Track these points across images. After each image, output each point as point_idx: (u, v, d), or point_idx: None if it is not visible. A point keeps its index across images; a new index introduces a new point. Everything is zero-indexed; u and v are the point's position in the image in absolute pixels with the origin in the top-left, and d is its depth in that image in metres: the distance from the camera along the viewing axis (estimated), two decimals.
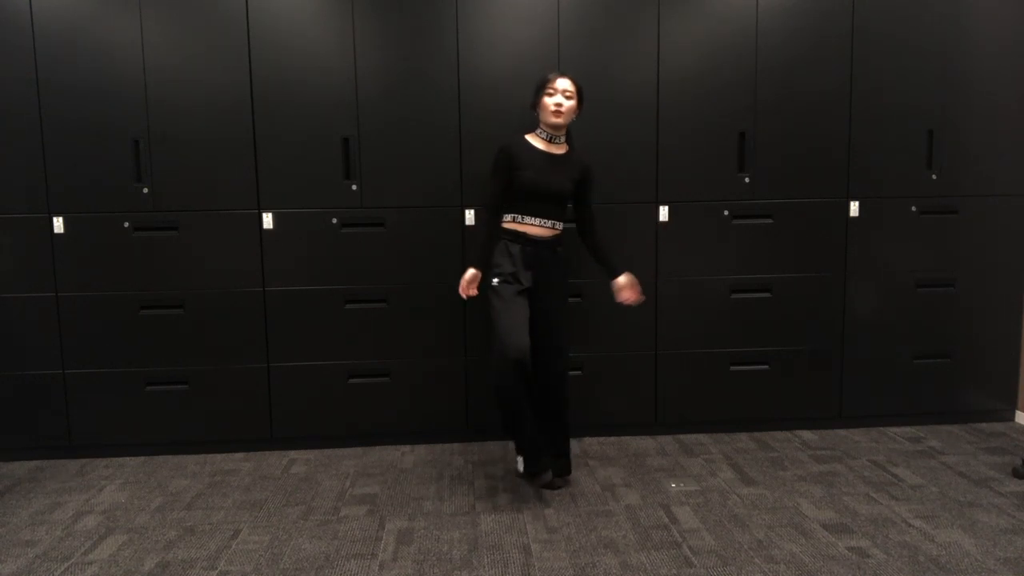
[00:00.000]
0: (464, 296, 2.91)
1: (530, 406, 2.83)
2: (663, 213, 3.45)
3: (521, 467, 2.98)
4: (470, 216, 3.38)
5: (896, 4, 3.42)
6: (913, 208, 3.54)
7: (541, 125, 2.91)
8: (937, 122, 3.49)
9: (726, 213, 3.47)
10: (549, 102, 2.84)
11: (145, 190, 3.27)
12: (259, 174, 3.31)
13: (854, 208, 3.51)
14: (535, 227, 2.87)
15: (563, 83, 2.85)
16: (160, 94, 3.23)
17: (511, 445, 3.37)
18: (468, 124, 3.33)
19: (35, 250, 3.27)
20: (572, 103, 2.87)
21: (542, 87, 2.88)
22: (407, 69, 3.31)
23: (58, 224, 3.26)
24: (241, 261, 3.34)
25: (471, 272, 2.89)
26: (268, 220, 3.33)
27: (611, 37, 3.35)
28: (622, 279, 2.97)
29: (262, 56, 3.25)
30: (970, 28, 3.46)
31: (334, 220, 3.35)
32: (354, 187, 3.34)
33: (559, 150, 2.93)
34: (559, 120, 2.85)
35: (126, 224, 3.28)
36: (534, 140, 2.91)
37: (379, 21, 3.28)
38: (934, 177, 3.52)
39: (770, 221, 3.49)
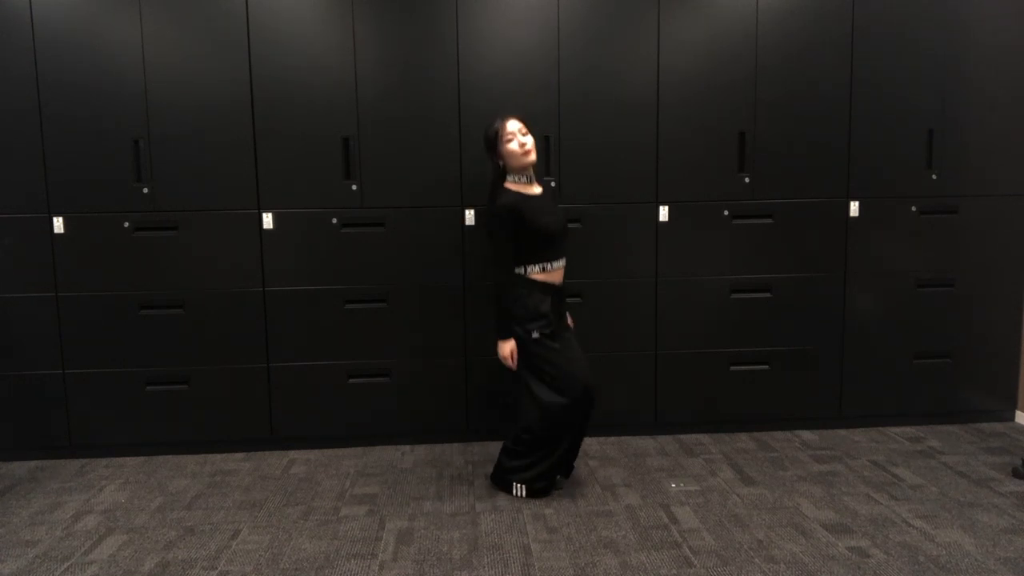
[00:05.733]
0: (514, 367, 2.83)
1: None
2: (663, 213, 3.44)
3: (523, 492, 2.90)
4: (470, 216, 3.38)
5: (896, 4, 3.42)
6: (913, 208, 3.54)
7: (513, 172, 2.83)
8: (937, 122, 3.49)
9: (726, 213, 3.47)
10: (514, 147, 2.79)
11: (145, 190, 3.27)
12: (259, 174, 3.31)
13: (854, 208, 3.51)
14: (560, 271, 2.87)
15: (513, 125, 2.81)
16: (160, 94, 3.23)
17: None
18: (468, 124, 3.32)
19: (35, 250, 3.27)
20: (531, 136, 2.83)
21: (496, 139, 2.81)
22: (407, 69, 3.31)
23: (58, 224, 3.26)
24: (241, 261, 3.34)
25: (511, 344, 2.80)
26: (268, 220, 3.33)
27: (611, 37, 3.35)
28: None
29: (262, 56, 3.25)
30: (970, 28, 3.46)
31: (334, 220, 3.35)
32: (354, 187, 3.34)
33: (539, 188, 2.91)
34: (532, 158, 2.82)
35: (126, 224, 3.28)
36: (519, 188, 2.84)
37: (379, 21, 3.28)
38: (934, 177, 3.52)
39: (770, 221, 3.49)
